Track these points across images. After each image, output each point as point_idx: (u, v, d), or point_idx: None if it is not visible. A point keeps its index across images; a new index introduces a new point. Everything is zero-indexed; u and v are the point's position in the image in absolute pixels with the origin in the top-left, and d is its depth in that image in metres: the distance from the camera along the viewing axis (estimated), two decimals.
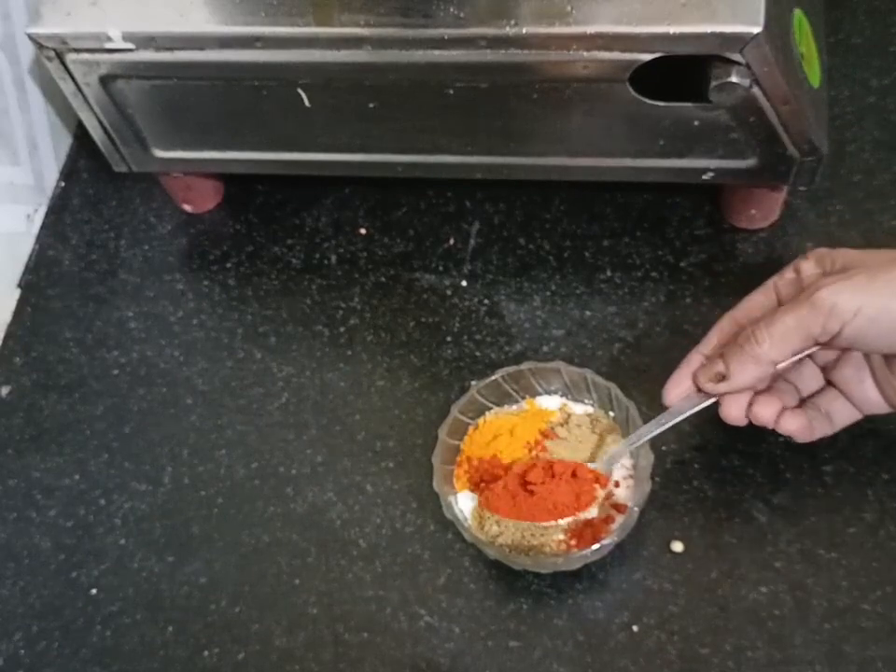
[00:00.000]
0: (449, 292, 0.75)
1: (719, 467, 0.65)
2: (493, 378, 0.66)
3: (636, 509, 0.60)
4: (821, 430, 0.61)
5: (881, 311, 0.53)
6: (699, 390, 0.60)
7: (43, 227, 0.84)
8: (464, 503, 0.64)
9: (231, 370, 0.74)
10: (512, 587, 0.63)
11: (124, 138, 0.73)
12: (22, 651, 0.66)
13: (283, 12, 0.64)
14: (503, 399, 0.67)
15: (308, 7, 0.64)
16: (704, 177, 0.68)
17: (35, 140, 0.83)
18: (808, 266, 0.59)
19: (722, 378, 0.58)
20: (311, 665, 0.63)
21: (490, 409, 0.67)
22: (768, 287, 0.61)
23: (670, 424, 0.61)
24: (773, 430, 0.60)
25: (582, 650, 0.61)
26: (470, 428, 0.66)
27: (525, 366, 0.66)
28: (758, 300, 0.61)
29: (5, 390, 0.76)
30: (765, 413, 0.59)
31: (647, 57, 0.60)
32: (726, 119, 0.63)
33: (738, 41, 0.58)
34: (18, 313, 0.79)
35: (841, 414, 0.61)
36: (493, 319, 0.74)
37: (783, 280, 0.60)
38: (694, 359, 0.61)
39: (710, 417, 0.66)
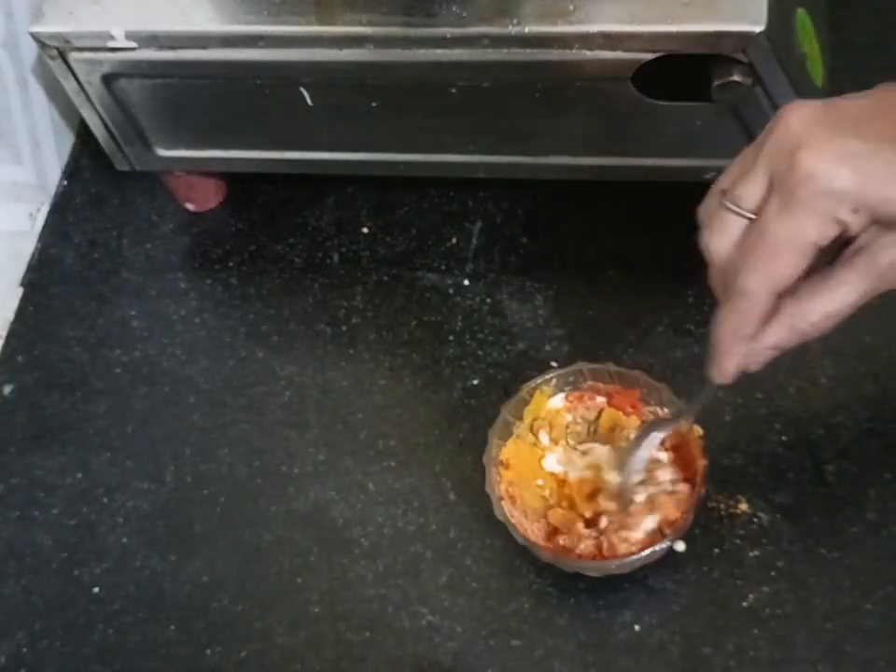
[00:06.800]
0: (451, 291, 0.75)
1: (720, 466, 0.65)
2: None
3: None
4: None
5: None
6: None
7: (45, 226, 0.84)
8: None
9: (234, 368, 0.74)
10: (514, 586, 0.63)
11: (127, 137, 0.73)
12: (25, 650, 0.66)
13: (285, 11, 0.64)
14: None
15: (311, 6, 0.64)
16: (706, 176, 0.68)
17: (38, 139, 0.83)
18: None
19: None
20: (312, 663, 0.63)
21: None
22: None
23: None
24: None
25: (584, 649, 0.61)
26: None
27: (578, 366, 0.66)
28: None
29: (7, 389, 0.76)
30: None
31: (649, 56, 0.60)
32: (728, 118, 0.63)
33: (741, 40, 0.58)
34: (20, 311, 0.79)
35: None
36: (495, 318, 0.74)
37: None
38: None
39: (711, 416, 0.66)
